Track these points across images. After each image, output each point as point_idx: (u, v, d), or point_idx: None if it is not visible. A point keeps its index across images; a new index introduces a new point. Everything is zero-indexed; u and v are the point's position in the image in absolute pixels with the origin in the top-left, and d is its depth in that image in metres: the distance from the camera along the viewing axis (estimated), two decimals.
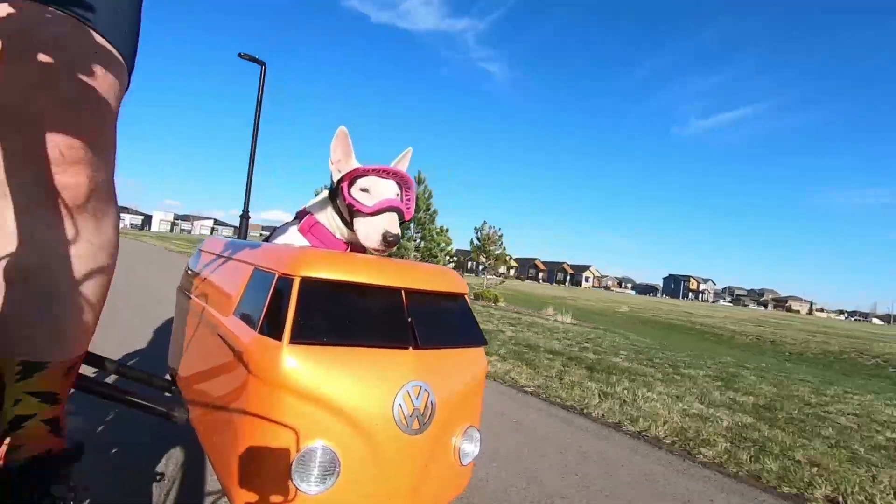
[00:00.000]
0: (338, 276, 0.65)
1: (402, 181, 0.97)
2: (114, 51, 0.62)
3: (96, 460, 1.18)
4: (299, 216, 1.06)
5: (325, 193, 1.03)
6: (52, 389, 0.64)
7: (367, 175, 0.94)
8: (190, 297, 1.02)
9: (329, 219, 1.00)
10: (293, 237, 1.01)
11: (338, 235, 0.99)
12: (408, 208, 0.96)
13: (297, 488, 0.58)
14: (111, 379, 1.32)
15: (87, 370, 0.81)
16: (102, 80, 0.60)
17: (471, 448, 0.72)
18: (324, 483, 0.58)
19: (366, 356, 0.63)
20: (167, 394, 1.07)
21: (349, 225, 0.96)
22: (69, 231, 0.61)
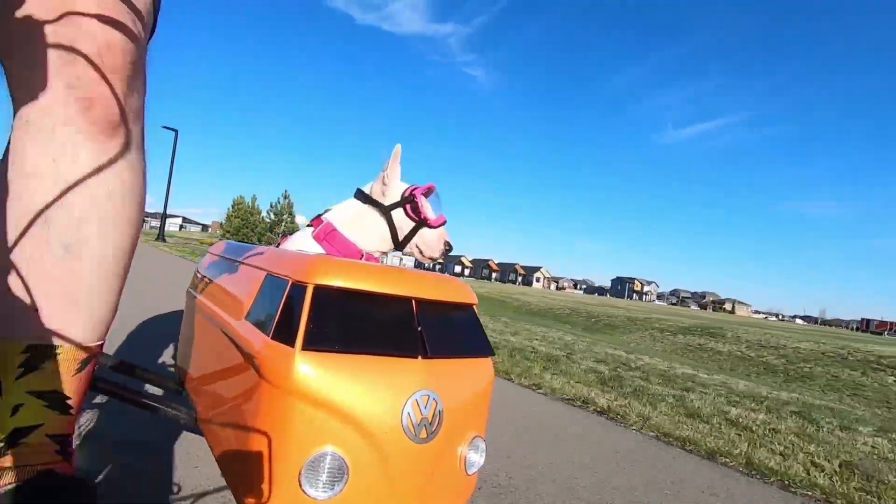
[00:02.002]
0: (351, 285, 0.66)
1: (429, 195, 1.09)
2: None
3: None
4: (314, 224, 1.08)
5: (356, 206, 1.08)
6: (61, 390, 0.51)
7: (421, 193, 1.06)
8: (200, 300, 1.04)
9: (368, 231, 1.07)
10: (308, 244, 1.03)
11: (370, 247, 1.06)
12: None
13: (304, 493, 0.58)
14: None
15: None
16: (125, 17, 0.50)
17: (476, 458, 0.73)
18: (332, 489, 0.59)
19: (376, 364, 0.63)
20: (175, 394, 1.08)
21: (400, 238, 1.06)
22: (98, 157, 0.50)
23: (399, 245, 1.07)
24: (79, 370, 0.54)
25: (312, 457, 0.58)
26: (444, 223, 1.07)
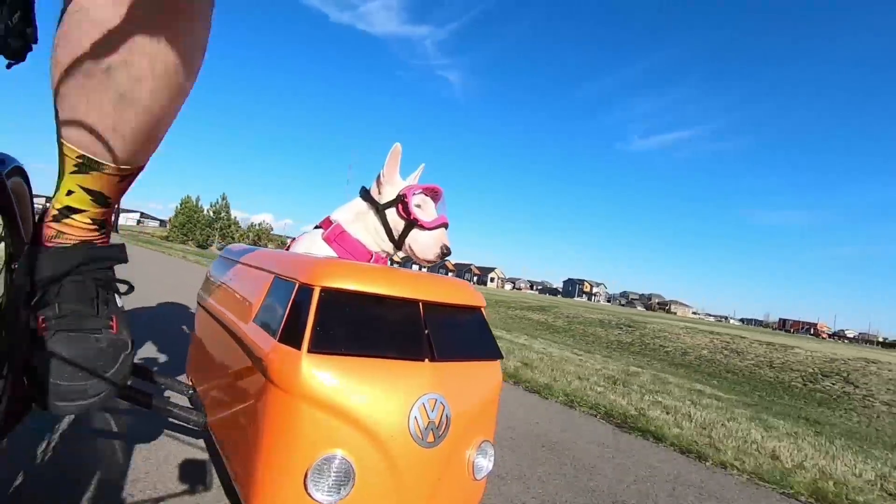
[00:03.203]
0: (357, 287, 0.65)
1: (437, 197, 1.07)
2: None
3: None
4: (323, 225, 1.08)
5: (359, 205, 1.07)
6: (104, 191, 0.65)
7: (419, 193, 1.03)
8: (210, 304, 1.04)
9: (369, 230, 1.06)
10: (318, 246, 1.03)
11: (374, 247, 1.05)
12: None
13: (310, 497, 0.58)
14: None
15: None
16: None
17: (484, 463, 0.72)
18: (338, 492, 0.58)
19: (383, 367, 0.63)
20: (185, 397, 1.09)
21: (395, 238, 1.04)
22: (161, 28, 0.56)
23: (396, 245, 1.05)
24: (120, 181, 0.66)
25: (319, 460, 0.58)
26: (440, 226, 1.03)
